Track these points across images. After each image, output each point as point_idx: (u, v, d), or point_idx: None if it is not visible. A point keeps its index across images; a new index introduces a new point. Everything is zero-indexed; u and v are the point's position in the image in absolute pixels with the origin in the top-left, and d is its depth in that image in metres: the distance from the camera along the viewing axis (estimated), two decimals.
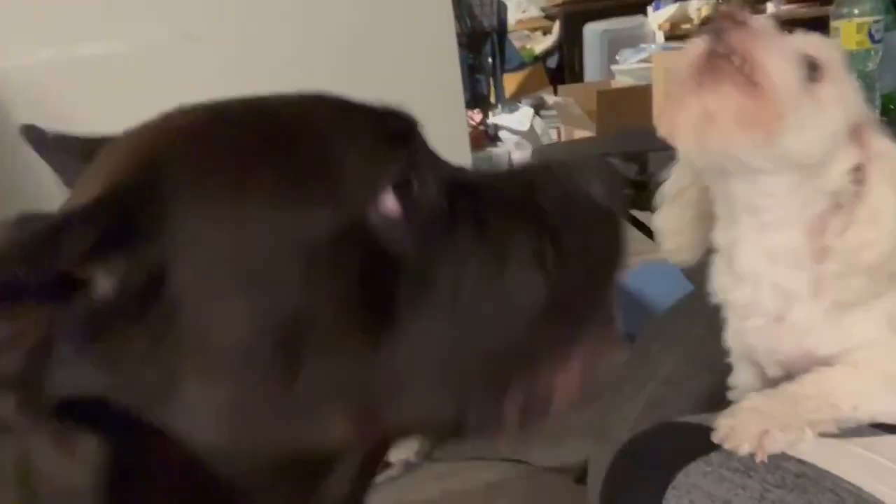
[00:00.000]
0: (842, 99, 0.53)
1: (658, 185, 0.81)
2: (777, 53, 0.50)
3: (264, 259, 0.34)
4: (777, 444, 0.49)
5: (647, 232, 1.45)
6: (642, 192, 1.16)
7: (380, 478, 1.58)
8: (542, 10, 5.29)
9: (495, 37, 3.63)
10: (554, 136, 3.84)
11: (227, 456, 0.35)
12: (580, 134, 3.50)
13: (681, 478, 0.48)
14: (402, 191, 0.37)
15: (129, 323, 0.33)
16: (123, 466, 0.33)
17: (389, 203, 0.37)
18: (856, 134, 0.53)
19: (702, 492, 0.47)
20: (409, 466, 1.55)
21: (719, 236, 0.58)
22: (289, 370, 0.35)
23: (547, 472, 1.49)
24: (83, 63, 1.49)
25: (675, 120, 0.52)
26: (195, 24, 1.51)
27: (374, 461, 0.41)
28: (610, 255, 0.42)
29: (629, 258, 0.44)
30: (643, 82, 3.50)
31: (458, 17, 2.07)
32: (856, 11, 1.12)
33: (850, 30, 1.12)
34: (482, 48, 3.43)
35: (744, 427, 0.50)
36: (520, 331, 0.39)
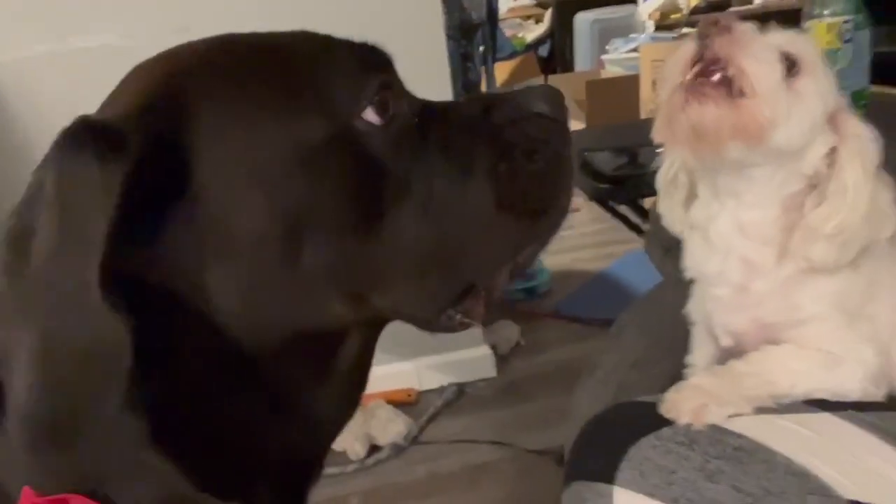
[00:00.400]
0: (819, 90, 0.56)
1: (642, 178, 0.85)
2: (760, 58, 0.54)
3: (270, 157, 0.42)
4: (714, 417, 0.54)
5: (629, 223, 1.50)
6: (621, 187, 1.21)
7: (369, 461, 1.61)
8: None
9: (486, 26, 3.65)
10: None
11: (248, 333, 0.42)
12: (570, 123, 3.51)
13: (633, 451, 0.53)
14: (380, 106, 0.45)
15: (163, 211, 0.40)
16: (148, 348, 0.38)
17: (371, 116, 0.44)
18: (831, 119, 0.57)
19: (651, 463, 0.52)
20: (397, 449, 1.59)
21: (698, 213, 0.62)
22: (294, 255, 0.42)
23: (530, 454, 1.53)
24: (78, 56, 1.51)
25: (669, 131, 0.56)
26: (188, 17, 1.53)
27: (370, 342, 0.49)
28: (557, 157, 0.50)
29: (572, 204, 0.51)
30: (633, 72, 3.53)
31: (448, 11, 2.09)
32: (826, 12, 1.16)
33: (820, 30, 1.16)
34: (473, 37, 3.44)
35: (685, 401, 0.55)
36: (482, 225, 0.47)
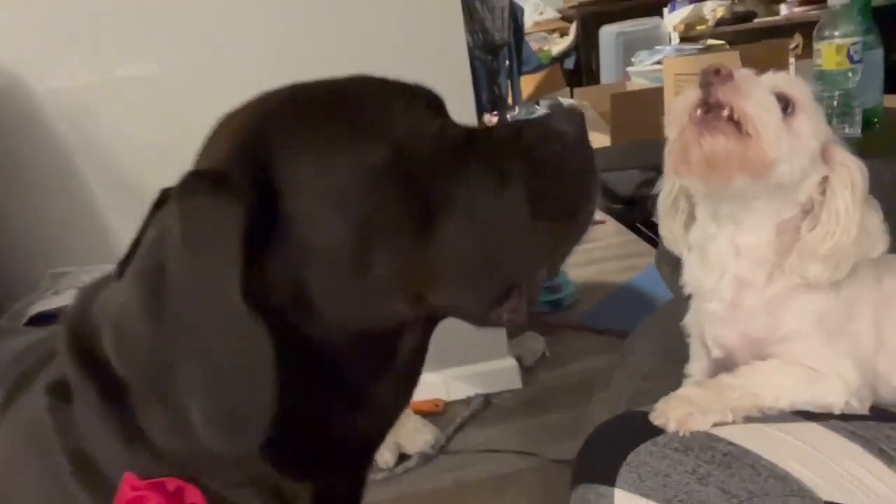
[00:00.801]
0: (813, 126, 0.61)
1: (649, 200, 0.89)
2: (761, 103, 0.59)
3: (341, 181, 0.49)
4: (698, 424, 0.59)
5: (646, 238, 1.54)
6: (633, 207, 1.25)
7: (398, 469, 1.66)
8: (559, 11, 5.33)
9: (512, 42, 3.70)
10: None
11: (326, 332, 0.49)
12: (595, 136, 3.55)
13: (632, 456, 0.58)
14: (431, 133, 0.52)
15: (262, 238, 0.47)
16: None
17: (423, 140, 0.52)
18: (822, 151, 0.62)
19: (648, 467, 0.57)
20: (425, 458, 1.62)
21: (697, 235, 0.67)
22: (366, 261, 0.49)
23: (555, 463, 1.54)
24: (120, 84, 1.59)
25: (681, 164, 0.61)
26: (223, 46, 1.61)
27: (426, 337, 0.57)
28: (581, 168, 0.56)
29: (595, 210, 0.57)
30: (658, 84, 3.54)
31: (472, 32, 2.15)
32: (836, 34, 1.20)
33: (830, 52, 1.20)
34: (499, 53, 3.51)
35: (672, 410, 0.60)
36: (521, 232, 0.54)
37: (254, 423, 0.44)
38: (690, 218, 0.68)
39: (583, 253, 2.84)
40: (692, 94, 0.60)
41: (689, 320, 0.70)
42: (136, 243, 0.51)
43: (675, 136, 0.62)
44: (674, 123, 0.62)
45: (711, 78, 0.59)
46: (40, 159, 1.61)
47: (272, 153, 0.49)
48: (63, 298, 1.32)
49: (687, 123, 0.60)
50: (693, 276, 0.67)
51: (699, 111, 0.60)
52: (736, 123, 0.58)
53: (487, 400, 1.84)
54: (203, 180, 0.47)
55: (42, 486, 0.52)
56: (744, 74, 0.60)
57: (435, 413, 1.79)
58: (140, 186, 1.58)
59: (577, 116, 0.57)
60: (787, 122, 0.60)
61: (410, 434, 1.65)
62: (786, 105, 0.60)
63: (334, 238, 0.49)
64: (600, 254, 2.72)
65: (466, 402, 1.84)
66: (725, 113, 0.59)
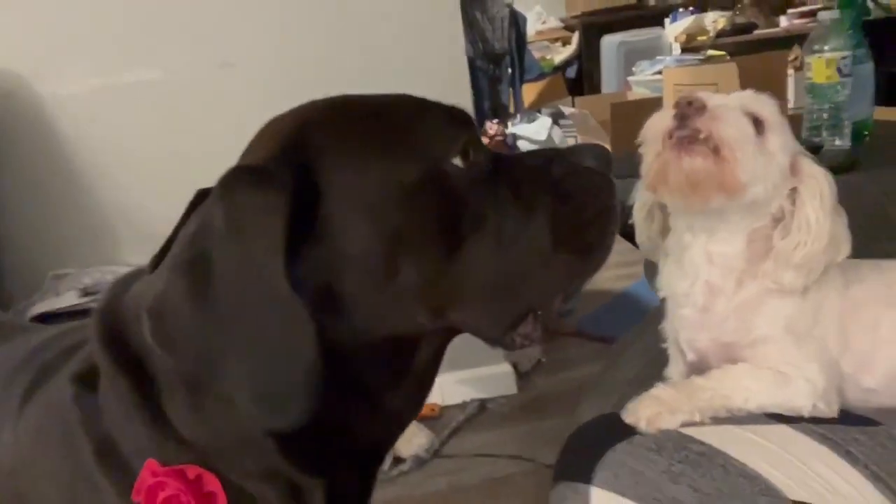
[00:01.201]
0: (782, 143, 0.63)
1: (624, 207, 0.92)
2: (736, 127, 0.61)
3: (376, 191, 0.52)
4: (667, 423, 0.61)
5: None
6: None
7: (392, 472, 1.66)
8: (562, 20, 5.37)
9: (514, 50, 3.73)
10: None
11: (348, 336, 0.51)
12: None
13: (609, 454, 0.60)
14: (464, 154, 0.54)
15: (303, 236, 0.49)
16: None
17: (456, 161, 0.54)
18: (792, 164, 0.65)
19: (624, 466, 0.59)
20: (419, 462, 1.63)
21: (672, 243, 0.70)
22: (393, 271, 0.51)
23: (549, 469, 1.55)
24: (125, 89, 1.62)
25: (660, 183, 0.64)
26: (230, 53, 1.63)
27: (441, 349, 0.59)
28: (604, 204, 0.58)
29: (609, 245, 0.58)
30: (658, 94, 3.57)
31: (473, 41, 2.18)
32: (826, 48, 1.22)
33: (820, 65, 1.22)
34: (501, 62, 3.53)
35: (643, 409, 0.62)
36: (542, 259, 0.56)
37: (298, 400, 0.46)
38: (665, 227, 0.70)
39: None
40: (666, 119, 0.62)
41: (666, 325, 0.72)
42: (171, 240, 0.52)
43: (652, 158, 0.64)
44: (649, 145, 0.64)
45: (686, 110, 0.61)
46: (44, 162, 1.64)
47: (313, 155, 0.51)
48: (64, 299, 1.34)
49: (663, 146, 0.62)
50: (668, 282, 0.69)
51: (676, 134, 0.61)
52: (714, 150, 0.60)
53: (483, 405, 1.85)
54: (246, 172, 0.49)
55: (65, 475, 0.54)
56: (716, 102, 0.62)
57: (430, 417, 1.79)
58: (141, 190, 1.62)
59: (604, 155, 0.60)
60: (759, 142, 0.62)
61: (405, 437, 1.63)
62: (756, 124, 0.62)
63: (364, 245, 0.50)
64: None
65: (462, 406, 1.84)
66: (703, 135, 0.60)
